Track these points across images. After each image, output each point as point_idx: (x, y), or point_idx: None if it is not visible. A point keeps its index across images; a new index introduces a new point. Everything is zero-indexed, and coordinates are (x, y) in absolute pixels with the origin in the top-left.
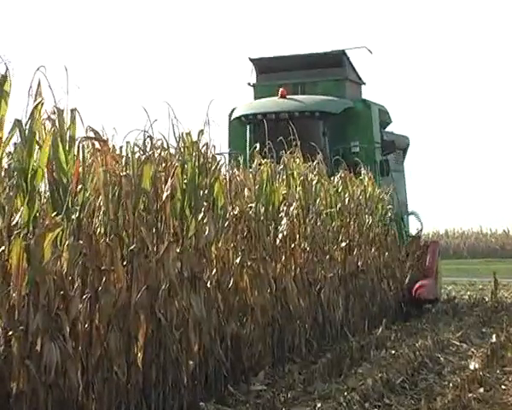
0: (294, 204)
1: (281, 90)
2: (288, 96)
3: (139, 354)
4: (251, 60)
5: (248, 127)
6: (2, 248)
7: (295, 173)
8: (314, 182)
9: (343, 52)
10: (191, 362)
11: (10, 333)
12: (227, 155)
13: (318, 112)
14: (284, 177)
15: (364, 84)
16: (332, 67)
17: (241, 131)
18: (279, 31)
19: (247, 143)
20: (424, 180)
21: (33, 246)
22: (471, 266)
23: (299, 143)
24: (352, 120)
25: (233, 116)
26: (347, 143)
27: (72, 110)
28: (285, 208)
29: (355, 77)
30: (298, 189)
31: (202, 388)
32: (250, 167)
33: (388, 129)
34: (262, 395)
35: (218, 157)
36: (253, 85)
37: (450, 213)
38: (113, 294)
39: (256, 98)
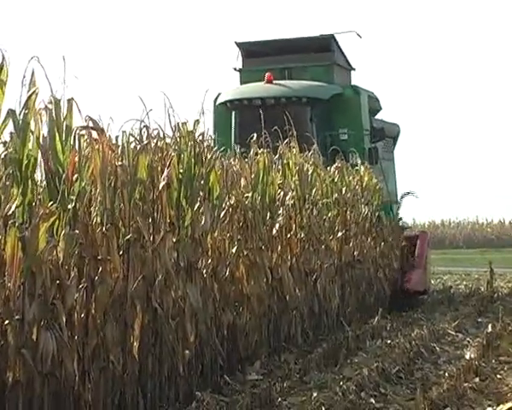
0: (290, 194)
1: (267, 74)
2: (274, 82)
3: (135, 344)
4: (237, 44)
5: (233, 113)
6: None
7: (291, 163)
8: (310, 172)
9: (332, 36)
10: (187, 352)
11: (6, 323)
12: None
13: (306, 98)
14: (280, 167)
15: (354, 69)
16: (320, 52)
17: (226, 117)
18: (266, 14)
19: (232, 130)
20: (420, 170)
21: (28, 235)
22: (467, 256)
23: (287, 130)
24: (341, 106)
25: (218, 102)
26: (335, 130)
27: (69, 100)
28: (281, 198)
29: (344, 62)
30: (294, 179)
31: (198, 377)
32: (235, 154)
33: (378, 116)
34: (258, 385)
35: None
36: (239, 70)
37: (446, 203)
38: (110, 283)
39: (242, 83)
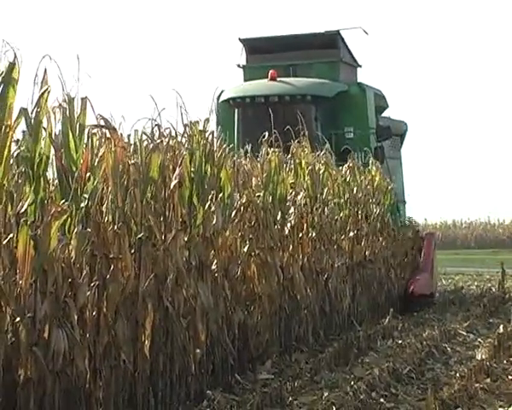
0: (302, 193)
1: (271, 72)
2: (278, 79)
3: (146, 342)
4: (241, 40)
5: (236, 111)
6: (10, 235)
7: (303, 163)
8: (321, 171)
9: (337, 33)
10: (198, 350)
11: (18, 320)
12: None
13: (310, 95)
14: (292, 166)
15: (360, 66)
16: (326, 49)
17: (228, 114)
18: (271, 10)
19: (235, 128)
20: (432, 170)
21: (40, 233)
22: (479, 257)
23: (290, 129)
24: (347, 104)
25: (221, 99)
26: (341, 129)
27: (83, 98)
28: (292, 198)
29: (350, 59)
30: (306, 178)
31: (209, 376)
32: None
33: (385, 114)
34: (269, 384)
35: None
36: (243, 67)
37: (457, 204)
38: (121, 282)
39: (246, 80)
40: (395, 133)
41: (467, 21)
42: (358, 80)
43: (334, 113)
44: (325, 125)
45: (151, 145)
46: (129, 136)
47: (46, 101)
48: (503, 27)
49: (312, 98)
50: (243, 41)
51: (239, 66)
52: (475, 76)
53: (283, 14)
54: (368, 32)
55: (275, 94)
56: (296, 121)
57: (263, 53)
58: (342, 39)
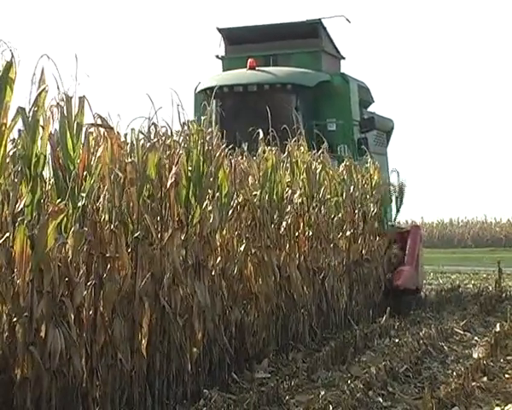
0: (298, 192)
1: (249, 60)
2: (257, 68)
3: (143, 342)
4: (219, 30)
5: (214, 101)
6: (7, 234)
7: (299, 161)
8: (318, 170)
9: (319, 22)
10: (195, 349)
11: (15, 320)
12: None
13: (290, 84)
14: (288, 165)
15: (344, 58)
16: (307, 38)
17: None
18: None
19: (213, 119)
20: (429, 169)
21: (37, 233)
22: (475, 255)
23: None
24: (329, 95)
25: (197, 89)
26: (323, 120)
27: (81, 98)
28: (289, 196)
29: (332, 50)
30: (302, 177)
31: (206, 375)
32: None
33: (371, 110)
34: (266, 383)
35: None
36: (222, 58)
37: (454, 202)
38: (118, 281)
39: (225, 72)
40: (381, 128)
41: (462, 10)
42: (343, 72)
43: (315, 103)
44: (306, 116)
45: (148, 144)
46: (126, 135)
47: (44, 100)
48: (495, 18)
49: (293, 87)
50: (222, 31)
51: (218, 57)
52: (471, 72)
53: (263, 2)
54: (350, 20)
55: (253, 83)
56: (276, 111)
57: (242, 43)
58: (324, 29)
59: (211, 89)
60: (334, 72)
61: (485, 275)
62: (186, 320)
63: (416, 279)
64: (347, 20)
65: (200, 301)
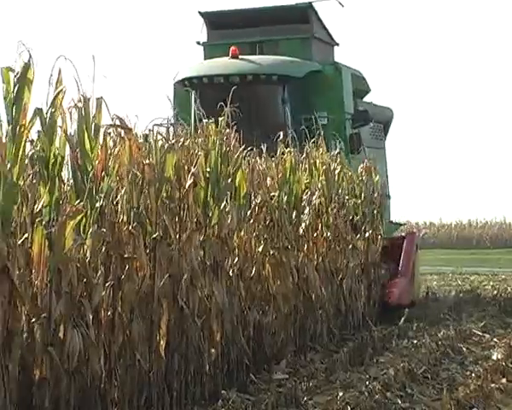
0: (317, 193)
1: (232, 48)
2: (240, 57)
3: (161, 342)
4: (201, 14)
5: (193, 93)
6: (26, 235)
7: (318, 162)
8: (337, 171)
9: (310, 5)
10: (213, 350)
11: (33, 320)
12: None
13: (276, 75)
14: (307, 166)
15: (337, 45)
16: (296, 24)
17: (185, 97)
18: None
19: (192, 112)
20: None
21: (55, 233)
22: (494, 257)
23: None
24: (320, 86)
25: (175, 79)
26: (312, 114)
27: (98, 99)
28: (307, 198)
29: (325, 36)
30: (320, 178)
31: (224, 376)
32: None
33: (367, 99)
34: (284, 384)
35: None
36: (203, 44)
37: (473, 203)
38: (136, 281)
39: (206, 59)
40: (377, 120)
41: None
42: (336, 60)
43: (305, 95)
44: (294, 109)
45: (166, 145)
46: (144, 136)
47: (61, 101)
48: (496, 9)
49: (279, 78)
50: (204, 15)
51: (199, 43)
52: (478, 62)
53: None
54: (343, 4)
55: (235, 73)
56: (261, 105)
57: (226, 28)
58: (315, 13)
59: (189, 79)
60: (327, 60)
61: (503, 276)
62: (204, 321)
63: (410, 293)
64: (340, 3)
65: (218, 302)
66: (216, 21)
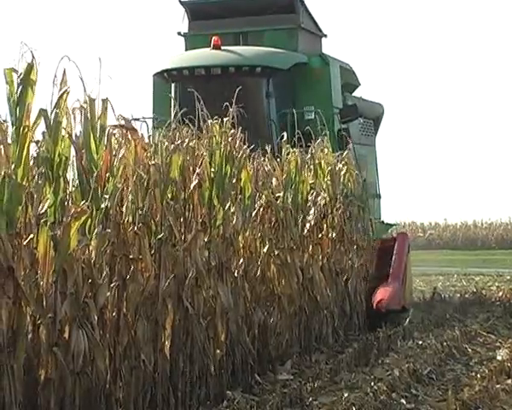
0: (322, 194)
1: (213, 38)
2: (223, 47)
3: (166, 343)
4: (182, 3)
5: (173, 86)
6: (31, 236)
7: (323, 163)
8: (342, 172)
9: None
10: (218, 351)
11: (38, 321)
12: (150, 122)
13: (260, 67)
14: (312, 166)
15: (325, 36)
16: (282, 14)
17: (164, 90)
18: None
19: (172, 106)
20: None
21: (60, 234)
22: (499, 257)
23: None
24: (306, 79)
25: (154, 71)
26: (299, 108)
27: (104, 100)
28: (313, 198)
29: (312, 26)
30: (326, 179)
31: (229, 377)
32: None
33: (356, 94)
34: (289, 385)
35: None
36: (184, 35)
37: (478, 204)
38: (141, 282)
39: (188, 51)
40: (367, 115)
41: None
42: (323, 52)
43: (290, 89)
44: (279, 104)
45: (171, 146)
46: (149, 136)
47: (65, 102)
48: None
49: (263, 70)
50: (185, 4)
51: (180, 34)
52: (483, 53)
53: None
54: None
55: (217, 65)
56: (244, 99)
57: (208, 19)
58: (302, 2)
59: (169, 71)
60: (314, 52)
61: (509, 277)
62: (209, 322)
63: (401, 298)
64: None
65: (223, 303)
66: (198, 11)
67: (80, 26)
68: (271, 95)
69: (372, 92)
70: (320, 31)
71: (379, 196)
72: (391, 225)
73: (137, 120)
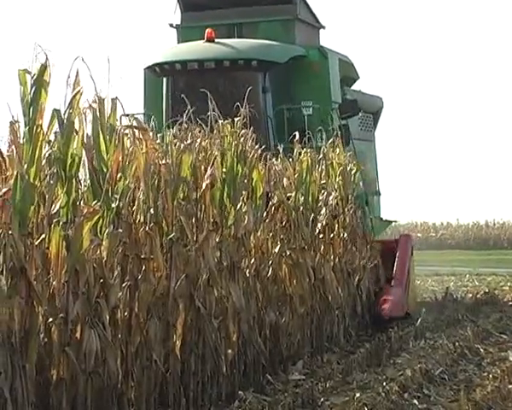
0: (333, 194)
1: (207, 31)
2: (217, 40)
3: (178, 343)
4: None
5: (165, 80)
6: (43, 236)
7: (335, 163)
8: (353, 172)
9: None
10: (230, 351)
11: (50, 320)
12: (141, 118)
13: (256, 60)
14: (323, 166)
15: (323, 28)
16: (278, 4)
17: (156, 85)
18: None
19: (164, 101)
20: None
21: (72, 234)
22: (511, 257)
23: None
24: (304, 72)
25: (145, 65)
26: (296, 103)
27: (113, 99)
28: (324, 198)
29: (310, 18)
30: (337, 179)
31: (241, 377)
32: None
33: (356, 87)
34: (300, 385)
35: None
36: (177, 27)
37: (490, 204)
38: (153, 282)
39: (180, 43)
40: (366, 110)
41: None
42: (321, 45)
43: (287, 83)
44: (276, 99)
45: (182, 146)
46: (161, 136)
47: (78, 102)
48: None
49: (259, 64)
50: None
51: (172, 25)
52: (486, 49)
53: None
54: None
55: (211, 58)
56: (239, 93)
57: (201, 10)
58: None
59: (160, 65)
60: (311, 44)
61: None
62: (221, 322)
63: (405, 304)
64: None
65: (234, 303)
66: (190, 1)
67: (64, 18)
68: (268, 89)
69: (371, 85)
70: (318, 22)
71: (378, 194)
72: (390, 222)
73: (127, 115)
